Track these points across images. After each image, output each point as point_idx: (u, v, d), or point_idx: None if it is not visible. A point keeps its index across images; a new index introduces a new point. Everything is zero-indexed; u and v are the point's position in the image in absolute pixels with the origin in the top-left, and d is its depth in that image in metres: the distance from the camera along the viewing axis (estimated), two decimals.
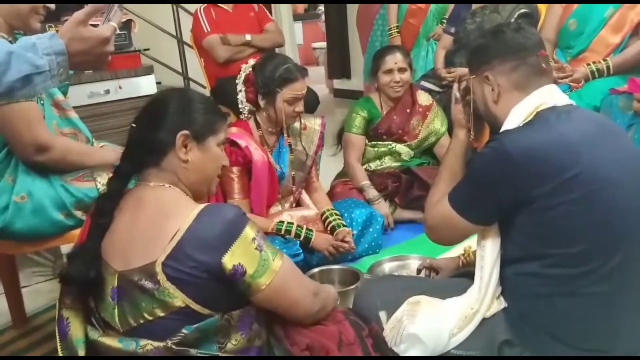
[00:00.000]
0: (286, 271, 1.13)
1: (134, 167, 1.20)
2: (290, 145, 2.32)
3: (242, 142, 2.14)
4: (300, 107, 2.18)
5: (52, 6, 1.60)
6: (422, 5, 3.50)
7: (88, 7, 1.07)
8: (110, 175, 1.62)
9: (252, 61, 2.23)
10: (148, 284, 1.05)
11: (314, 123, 2.40)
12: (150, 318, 1.06)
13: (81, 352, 1.10)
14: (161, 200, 1.14)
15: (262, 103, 2.18)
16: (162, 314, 1.06)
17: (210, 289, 1.07)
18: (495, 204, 1.24)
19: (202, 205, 1.10)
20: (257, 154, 2.16)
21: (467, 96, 1.45)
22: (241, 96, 2.23)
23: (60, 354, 1.14)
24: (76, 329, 1.13)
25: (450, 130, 2.84)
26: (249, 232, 1.09)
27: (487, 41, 1.36)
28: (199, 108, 1.22)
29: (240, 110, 2.26)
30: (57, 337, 1.15)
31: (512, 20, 2.83)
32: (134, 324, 1.08)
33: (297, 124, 2.33)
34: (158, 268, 1.04)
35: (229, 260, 1.05)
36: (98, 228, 1.15)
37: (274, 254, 1.12)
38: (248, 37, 3.32)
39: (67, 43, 1.03)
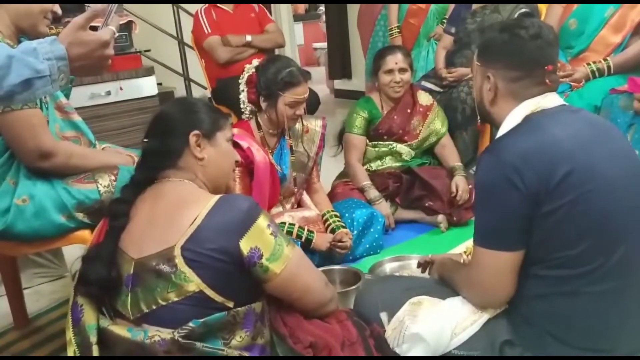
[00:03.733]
0: (299, 257, 1.20)
1: (150, 174, 1.27)
2: (291, 146, 2.32)
3: (244, 143, 2.14)
4: (301, 110, 2.18)
5: (59, 11, 1.62)
6: (423, 6, 3.51)
7: (87, 12, 1.08)
8: (112, 177, 1.63)
9: (255, 62, 2.23)
10: (165, 268, 1.09)
11: (314, 124, 2.41)
12: (164, 303, 1.10)
13: (93, 339, 1.13)
14: (179, 192, 1.21)
15: (263, 105, 2.19)
16: (175, 299, 1.09)
17: (226, 275, 1.11)
18: (520, 218, 1.18)
19: (218, 196, 1.16)
20: (259, 155, 2.16)
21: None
22: (243, 96, 2.23)
23: (71, 341, 1.16)
24: (89, 316, 1.16)
25: (450, 131, 2.87)
26: (263, 219, 1.15)
27: (503, 40, 1.31)
28: (201, 109, 1.31)
29: (242, 110, 2.27)
30: (70, 323, 1.18)
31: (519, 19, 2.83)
32: (146, 309, 1.11)
33: (298, 126, 2.33)
34: (177, 252, 1.09)
35: (246, 244, 1.11)
36: (115, 230, 1.20)
37: (287, 241, 1.18)
38: (249, 37, 3.32)
39: (67, 47, 1.04)
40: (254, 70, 2.19)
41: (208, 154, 1.27)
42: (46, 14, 1.59)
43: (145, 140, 1.29)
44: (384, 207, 2.61)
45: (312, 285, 1.23)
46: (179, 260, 1.09)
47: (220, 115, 1.35)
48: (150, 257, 1.11)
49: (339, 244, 2.23)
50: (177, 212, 1.15)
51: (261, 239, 1.13)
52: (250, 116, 2.27)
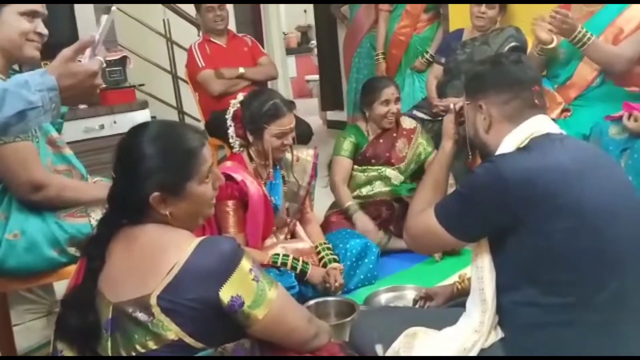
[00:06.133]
0: (282, 300, 1.15)
1: (120, 220, 1.18)
2: (283, 177, 2.33)
3: (237, 176, 2.15)
4: (288, 139, 2.19)
5: (44, 31, 1.60)
6: (403, 38, 3.59)
7: (75, 44, 1.12)
8: (105, 210, 1.62)
9: (240, 96, 2.26)
10: (142, 316, 1.05)
11: (306, 154, 2.42)
12: (143, 351, 1.06)
13: None
14: (156, 234, 1.14)
15: (250, 138, 2.21)
16: (154, 347, 1.06)
17: (205, 322, 1.07)
18: (483, 223, 1.24)
19: (199, 239, 1.11)
20: (253, 188, 2.17)
21: (461, 118, 1.46)
22: (231, 131, 2.25)
23: None
24: None
25: (438, 146, 2.88)
26: (245, 264, 1.10)
27: (486, 70, 1.38)
28: (174, 155, 1.15)
29: (232, 144, 2.28)
30: None
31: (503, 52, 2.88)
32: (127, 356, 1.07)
33: (288, 156, 2.34)
34: (153, 300, 1.05)
35: (227, 293, 1.06)
36: (92, 272, 1.14)
37: (269, 284, 1.13)
38: (241, 70, 3.36)
39: (57, 78, 1.07)
40: (239, 105, 2.22)
41: (174, 209, 1.14)
42: (27, 35, 1.57)
43: (114, 176, 1.18)
44: (360, 219, 2.65)
45: (296, 325, 1.18)
46: (156, 310, 1.05)
47: (193, 158, 1.15)
48: (127, 303, 1.07)
49: (332, 283, 2.18)
50: (154, 256, 1.09)
51: (243, 286, 1.08)
52: (241, 149, 2.29)
